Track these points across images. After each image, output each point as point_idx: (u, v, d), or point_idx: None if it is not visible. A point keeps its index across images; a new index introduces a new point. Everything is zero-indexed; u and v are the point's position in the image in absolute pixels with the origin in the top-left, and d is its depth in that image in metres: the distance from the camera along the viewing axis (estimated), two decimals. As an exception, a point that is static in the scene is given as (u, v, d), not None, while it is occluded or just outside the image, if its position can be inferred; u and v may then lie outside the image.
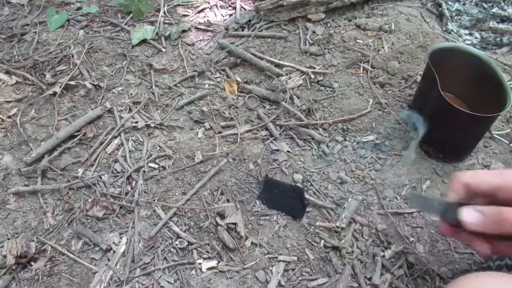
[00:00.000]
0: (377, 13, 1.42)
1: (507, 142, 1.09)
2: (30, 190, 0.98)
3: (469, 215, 0.53)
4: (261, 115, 1.14)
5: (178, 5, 1.50)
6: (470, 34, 1.41)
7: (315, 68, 1.25)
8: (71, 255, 0.88)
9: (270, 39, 1.35)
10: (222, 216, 0.91)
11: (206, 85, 1.23)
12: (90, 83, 1.19)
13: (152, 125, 1.11)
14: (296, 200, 0.91)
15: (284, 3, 1.34)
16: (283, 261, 0.87)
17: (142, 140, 1.09)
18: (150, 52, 1.33)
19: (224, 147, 1.07)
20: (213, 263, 0.86)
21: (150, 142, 1.08)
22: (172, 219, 0.93)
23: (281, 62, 1.26)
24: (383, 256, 0.88)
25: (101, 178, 1.01)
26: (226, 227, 0.90)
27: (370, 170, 1.03)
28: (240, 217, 0.91)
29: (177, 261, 0.87)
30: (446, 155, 1.03)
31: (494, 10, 1.46)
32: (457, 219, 0.53)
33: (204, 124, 1.12)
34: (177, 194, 0.98)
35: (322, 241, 0.90)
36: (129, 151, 1.06)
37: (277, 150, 1.06)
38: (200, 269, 0.86)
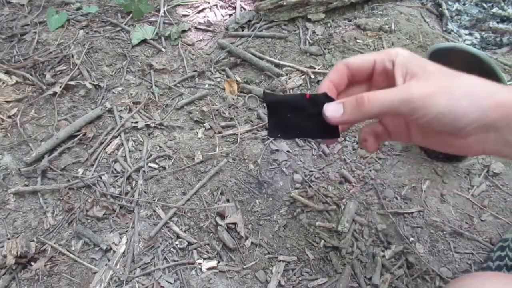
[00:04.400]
0: (377, 13, 1.42)
1: (507, 142, 1.09)
2: (30, 190, 0.98)
3: (332, 109, 0.52)
4: (261, 115, 1.14)
5: (178, 5, 1.50)
6: (470, 34, 1.41)
7: (315, 68, 1.25)
8: (71, 255, 0.88)
9: (270, 39, 1.35)
10: (222, 216, 0.91)
11: (206, 85, 1.23)
12: (90, 83, 1.19)
13: (152, 125, 1.11)
14: (321, 116, 0.57)
15: (284, 3, 1.34)
16: (283, 261, 0.87)
17: (142, 140, 1.09)
18: (150, 52, 1.33)
19: (224, 147, 1.07)
20: (213, 263, 0.86)
21: (150, 142, 1.08)
22: (172, 219, 0.93)
23: (281, 62, 1.27)
24: (383, 256, 0.88)
25: (101, 178, 1.01)
26: (226, 227, 0.90)
27: (370, 170, 1.03)
28: (240, 217, 0.91)
29: (177, 261, 0.87)
30: (446, 155, 1.03)
31: (494, 10, 1.46)
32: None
33: (204, 124, 1.12)
34: (177, 194, 0.98)
35: (322, 241, 0.90)
36: (129, 151, 1.06)
37: (277, 150, 1.06)
38: (200, 269, 0.86)
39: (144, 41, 1.35)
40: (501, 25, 1.41)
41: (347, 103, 0.50)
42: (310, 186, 0.99)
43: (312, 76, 1.22)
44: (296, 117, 0.58)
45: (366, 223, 0.93)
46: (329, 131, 0.56)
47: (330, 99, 0.53)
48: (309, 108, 0.56)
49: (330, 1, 1.39)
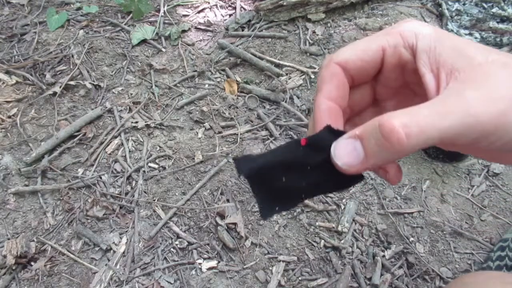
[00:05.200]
0: (377, 13, 1.42)
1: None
2: (30, 190, 0.98)
3: (345, 152, 0.31)
4: (261, 115, 1.14)
5: (178, 5, 1.50)
6: (470, 34, 1.41)
7: (315, 68, 1.25)
8: (71, 255, 0.88)
9: (270, 39, 1.35)
10: (222, 216, 0.91)
11: (206, 85, 1.23)
12: (90, 83, 1.19)
13: (152, 125, 1.11)
14: (328, 163, 0.35)
15: (284, 3, 1.34)
16: (283, 261, 0.87)
17: (142, 140, 1.09)
18: (150, 52, 1.33)
19: (224, 147, 1.07)
20: (213, 263, 0.86)
21: (150, 142, 1.08)
22: (172, 219, 0.93)
23: (281, 62, 1.27)
24: (383, 256, 0.88)
25: (101, 178, 1.01)
26: (226, 227, 0.90)
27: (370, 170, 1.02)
28: (240, 217, 0.91)
29: (177, 261, 0.87)
30: (446, 155, 1.03)
31: (494, 10, 1.46)
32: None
33: (204, 124, 1.12)
34: (177, 194, 0.98)
35: (322, 241, 0.90)
36: (129, 151, 1.06)
37: (277, 150, 1.06)
38: (200, 269, 0.86)
39: (144, 41, 1.35)
40: (501, 25, 1.41)
41: (366, 139, 0.30)
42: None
43: (312, 76, 1.22)
44: (295, 177, 0.37)
45: (366, 223, 0.93)
46: (347, 180, 0.36)
47: (338, 133, 0.34)
48: (310, 158, 0.36)
49: (330, 1, 1.39)
